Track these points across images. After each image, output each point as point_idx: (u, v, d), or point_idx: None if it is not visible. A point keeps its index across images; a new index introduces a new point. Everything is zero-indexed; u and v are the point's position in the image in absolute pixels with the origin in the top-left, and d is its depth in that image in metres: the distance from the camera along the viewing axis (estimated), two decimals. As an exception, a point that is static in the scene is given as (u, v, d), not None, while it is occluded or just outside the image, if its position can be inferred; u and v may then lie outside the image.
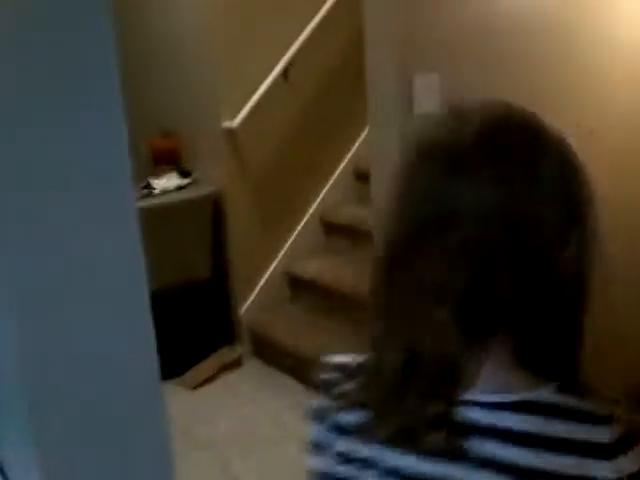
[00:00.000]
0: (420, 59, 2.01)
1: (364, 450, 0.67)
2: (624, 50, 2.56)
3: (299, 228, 3.14)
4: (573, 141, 0.68)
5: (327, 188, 3.20)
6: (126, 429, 0.74)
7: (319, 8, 2.94)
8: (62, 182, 0.71)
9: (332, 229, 3.15)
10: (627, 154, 2.68)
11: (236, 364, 2.96)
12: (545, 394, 0.64)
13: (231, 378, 2.89)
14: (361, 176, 3.19)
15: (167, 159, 3.16)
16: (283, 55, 2.85)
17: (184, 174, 3.09)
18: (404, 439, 0.64)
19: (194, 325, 2.96)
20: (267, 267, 3.07)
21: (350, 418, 0.69)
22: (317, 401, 0.75)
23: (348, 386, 0.72)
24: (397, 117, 2.02)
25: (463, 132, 0.63)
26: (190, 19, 2.84)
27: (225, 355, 2.99)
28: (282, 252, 3.10)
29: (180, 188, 3.02)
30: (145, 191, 2.91)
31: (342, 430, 0.70)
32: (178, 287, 2.89)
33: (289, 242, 3.12)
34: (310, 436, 0.73)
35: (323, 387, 0.76)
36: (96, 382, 0.72)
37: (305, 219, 3.15)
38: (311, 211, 3.16)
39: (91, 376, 0.73)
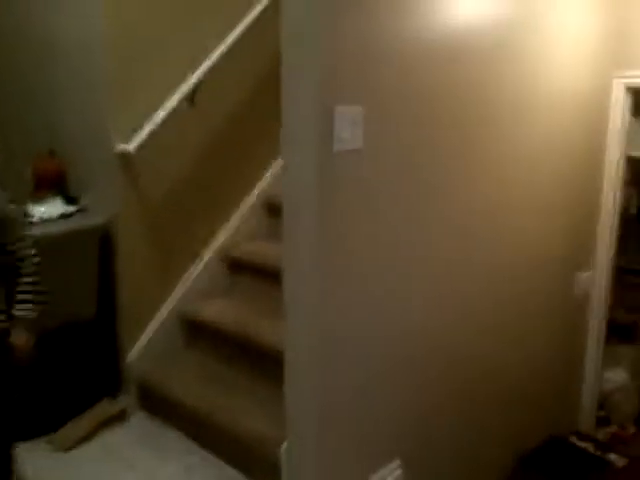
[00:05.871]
0: (342, 90, 1.83)
1: None
2: (545, 87, 2.54)
3: (199, 265, 2.84)
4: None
5: (234, 222, 2.93)
6: None
7: (232, 28, 2.72)
8: None
9: (238, 267, 2.87)
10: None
11: (118, 419, 2.60)
12: None
13: (112, 436, 2.51)
14: (272, 209, 2.96)
15: (51, 183, 2.78)
16: (189, 76, 2.59)
17: (70, 201, 2.73)
18: None
19: (72, 373, 2.57)
20: (161, 309, 2.74)
21: None
22: None
23: None
24: (315, 152, 1.81)
25: None
26: (83, 30, 2.53)
27: (106, 408, 2.61)
28: (178, 292, 2.79)
29: (64, 217, 2.65)
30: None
31: None
32: (55, 330, 2.50)
33: (188, 280, 2.81)
34: None
35: None
36: None
37: (207, 255, 2.86)
38: (214, 247, 2.88)
39: None
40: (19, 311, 1.88)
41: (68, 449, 2.43)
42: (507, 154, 2.40)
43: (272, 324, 2.43)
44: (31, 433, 2.45)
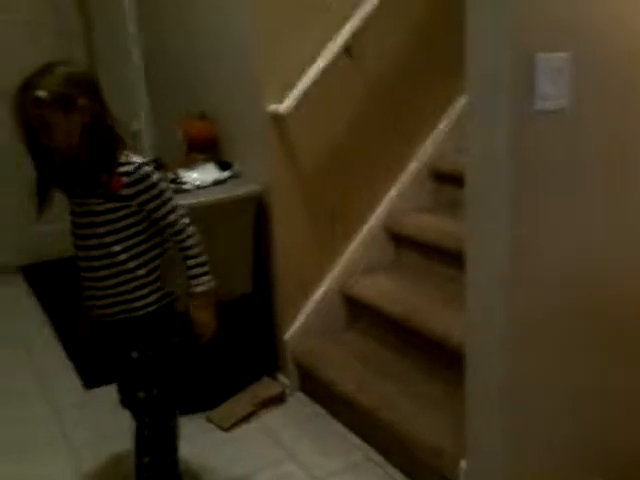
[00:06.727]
0: (545, 33, 1.41)
1: None
2: None
3: (360, 238, 2.57)
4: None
5: (396, 190, 2.61)
6: None
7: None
8: None
9: (401, 241, 2.56)
10: None
11: (277, 400, 2.46)
12: None
13: (271, 419, 2.37)
14: (440, 177, 2.59)
15: (203, 147, 2.63)
16: (346, 25, 2.26)
17: (223, 166, 2.56)
18: None
19: (231, 350, 2.45)
20: (320, 284, 2.52)
21: None
22: None
23: None
24: (509, 110, 1.43)
25: None
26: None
27: (265, 388, 2.48)
28: (339, 266, 2.54)
29: (217, 183, 2.49)
30: (173, 186, 2.38)
31: None
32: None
33: (347, 254, 2.55)
34: None
35: None
36: None
37: (368, 227, 2.58)
38: (375, 217, 2.58)
39: None
40: (197, 287, 1.70)
41: (228, 428, 2.33)
42: None
43: (447, 311, 2.11)
44: (188, 409, 2.39)
